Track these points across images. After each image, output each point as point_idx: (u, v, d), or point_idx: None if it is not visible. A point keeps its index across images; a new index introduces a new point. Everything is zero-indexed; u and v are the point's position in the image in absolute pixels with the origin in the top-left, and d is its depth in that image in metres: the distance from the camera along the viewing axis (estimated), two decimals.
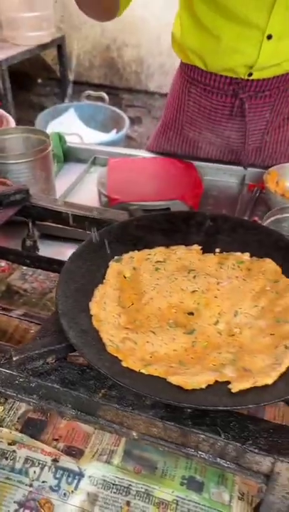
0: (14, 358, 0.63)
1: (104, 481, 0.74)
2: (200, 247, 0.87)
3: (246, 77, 1.27)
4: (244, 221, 0.99)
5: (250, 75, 1.27)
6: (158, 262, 0.83)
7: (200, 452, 0.63)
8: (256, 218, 1.14)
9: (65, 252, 1.06)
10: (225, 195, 1.38)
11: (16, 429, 0.79)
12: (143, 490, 0.73)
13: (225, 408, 0.56)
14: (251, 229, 0.87)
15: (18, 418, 0.81)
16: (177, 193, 1.26)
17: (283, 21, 1.14)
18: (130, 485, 0.74)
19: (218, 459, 0.62)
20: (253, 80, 1.28)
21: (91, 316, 0.71)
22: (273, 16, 1.13)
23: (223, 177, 1.43)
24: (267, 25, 1.14)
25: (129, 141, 3.42)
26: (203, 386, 0.58)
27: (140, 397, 0.61)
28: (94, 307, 0.72)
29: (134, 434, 0.66)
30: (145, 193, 1.28)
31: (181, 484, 0.74)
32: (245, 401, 0.56)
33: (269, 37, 1.17)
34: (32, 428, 0.80)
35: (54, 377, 0.64)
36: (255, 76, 1.27)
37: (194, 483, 0.75)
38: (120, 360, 0.63)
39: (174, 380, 0.59)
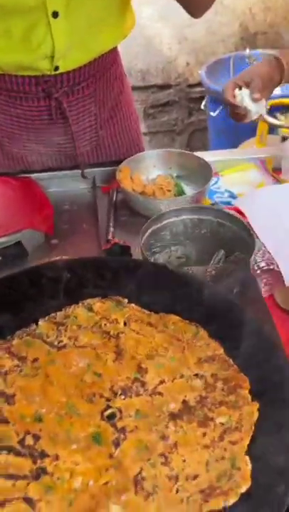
0: None
1: None
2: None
3: (53, 73, 1.07)
4: (110, 260, 0.78)
5: (57, 68, 1.06)
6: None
7: None
8: (117, 240, 0.94)
9: None
10: (79, 207, 1.14)
11: None
12: None
13: None
14: (125, 269, 0.66)
15: None
16: (23, 220, 0.98)
17: None
18: None
19: None
20: (62, 73, 1.08)
21: None
22: None
23: (70, 185, 1.18)
24: (46, 2, 0.95)
25: None
26: None
27: None
28: None
29: None
30: None
31: None
32: None
33: (55, 15, 0.98)
34: None
35: None
36: (62, 68, 1.07)
37: None
38: None
39: None
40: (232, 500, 0.42)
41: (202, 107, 2.67)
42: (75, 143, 1.19)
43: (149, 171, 1.23)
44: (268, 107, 1.08)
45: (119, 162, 1.18)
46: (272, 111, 1.69)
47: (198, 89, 3.05)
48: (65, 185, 1.20)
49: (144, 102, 3.04)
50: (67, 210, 1.14)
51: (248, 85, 1.04)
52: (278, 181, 1.26)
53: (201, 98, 2.89)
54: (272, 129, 1.77)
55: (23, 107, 1.14)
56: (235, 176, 1.33)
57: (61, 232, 1.04)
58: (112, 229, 1.06)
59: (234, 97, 1.03)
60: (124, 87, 1.28)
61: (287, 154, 1.24)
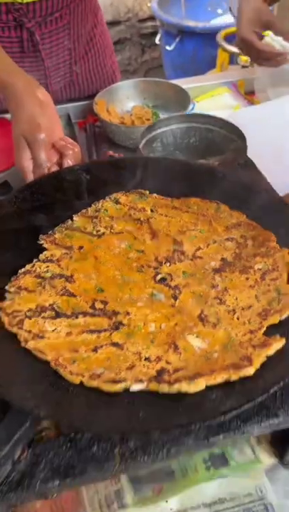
0: None
1: None
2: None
3: (25, 0, 1.02)
4: (124, 159, 0.82)
5: None
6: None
7: None
8: (111, 152, 0.98)
9: None
10: None
11: None
12: (175, 509, 0.61)
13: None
14: (139, 166, 0.72)
15: None
16: (6, 159, 0.98)
17: None
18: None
19: None
20: (34, 2, 1.03)
21: None
22: None
23: None
24: None
25: None
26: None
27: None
28: None
29: None
30: None
31: (207, 469, 0.65)
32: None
33: None
34: None
35: (43, 474, 0.43)
36: None
37: (217, 458, 0.66)
38: None
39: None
40: (285, 315, 0.52)
41: (157, 41, 2.56)
42: (47, 79, 1.16)
43: (123, 103, 1.21)
44: None
45: (90, 97, 1.17)
46: (229, 39, 1.71)
47: (149, 23, 2.94)
48: None
49: None
50: None
51: (267, 27, 1.02)
52: (252, 103, 1.31)
53: (154, 33, 2.79)
54: (232, 58, 1.78)
55: None
56: (210, 101, 1.35)
57: None
58: None
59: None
60: (98, 20, 1.23)
61: (258, 75, 1.28)
